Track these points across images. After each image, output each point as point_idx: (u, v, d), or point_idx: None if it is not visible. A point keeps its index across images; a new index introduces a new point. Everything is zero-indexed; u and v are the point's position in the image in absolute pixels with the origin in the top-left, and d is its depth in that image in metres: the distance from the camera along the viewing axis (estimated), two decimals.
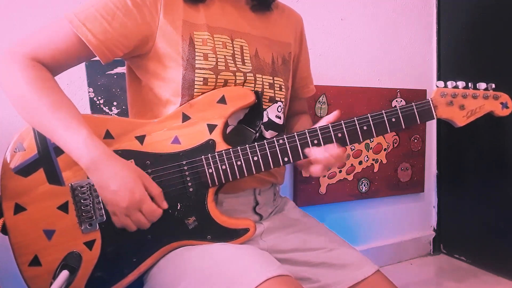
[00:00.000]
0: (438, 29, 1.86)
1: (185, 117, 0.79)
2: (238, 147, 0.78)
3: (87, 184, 0.74)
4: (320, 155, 0.78)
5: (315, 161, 0.78)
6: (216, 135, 0.79)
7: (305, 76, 1.05)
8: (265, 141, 0.79)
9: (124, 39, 0.75)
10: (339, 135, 0.80)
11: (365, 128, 0.80)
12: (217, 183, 0.78)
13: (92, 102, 1.24)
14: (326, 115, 1.53)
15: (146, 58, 0.79)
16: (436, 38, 1.86)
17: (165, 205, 0.74)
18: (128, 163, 0.72)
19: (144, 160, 0.76)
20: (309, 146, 0.79)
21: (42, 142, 0.74)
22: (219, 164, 0.77)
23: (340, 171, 1.63)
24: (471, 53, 1.73)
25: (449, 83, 0.82)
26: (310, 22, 1.50)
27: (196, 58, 0.78)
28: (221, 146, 0.79)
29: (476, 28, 1.70)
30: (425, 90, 1.80)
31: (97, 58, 0.76)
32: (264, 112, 0.86)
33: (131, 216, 0.70)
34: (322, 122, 0.81)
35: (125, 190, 0.68)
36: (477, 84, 0.83)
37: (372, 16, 1.71)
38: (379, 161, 1.72)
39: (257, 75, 0.85)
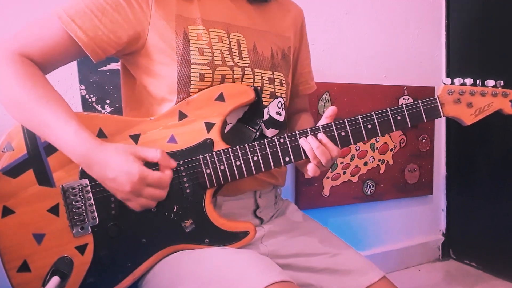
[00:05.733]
0: (447, 24, 1.86)
1: (182, 115, 0.79)
2: (237, 147, 0.79)
3: (79, 186, 0.74)
4: (312, 144, 0.78)
5: (307, 151, 0.78)
6: (214, 134, 0.79)
7: (305, 72, 1.05)
8: (265, 140, 0.79)
9: (115, 36, 0.76)
10: (343, 133, 0.80)
11: (369, 126, 0.81)
12: (215, 184, 0.78)
13: (84, 100, 1.24)
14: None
15: (139, 54, 0.80)
16: (445, 33, 1.87)
17: (173, 163, 0.74)
18: (117, 145, 0.72)
19: None
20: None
21: (32, 141, 0.74)
22: (217, 164, 0.78)
23: (344, 173, 1.64)
24: (481, 49, 1.73)
25: (456, 80, 0.83)
26: (313, 16, 1.51)
27: (191, 53, 0.78)
28: (220, 145, 0.79)
29: (486, 23, 1.71)
30: (434, 87, 1.80)
31: None
32: (265, 109, 0.87)
33: (142, 194, 0.70)
34: (323, 121, 0.82)
35: (122, 175, 0.68)
36: (486, 81, 0.83)
37: (377, 9, 1.71)
38: (385, 162, 1.72)
39: (255, 70, 0.85)
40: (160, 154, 0.72)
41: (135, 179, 0.68)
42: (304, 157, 0.80)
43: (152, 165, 0.72)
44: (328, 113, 0.81)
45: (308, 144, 0.78)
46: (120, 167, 0.68)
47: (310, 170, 0.79)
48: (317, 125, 0.81)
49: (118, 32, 0.76)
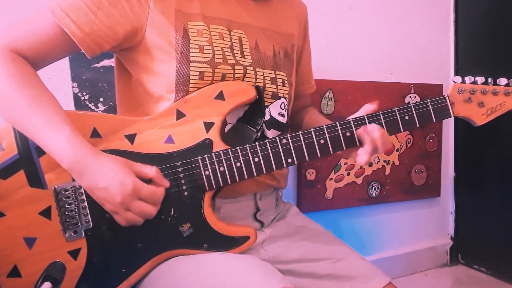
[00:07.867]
0: (455, 18, 1.86)
1: (180, 114, 0.79)
2: (238, 147, 0.78)
3: (72, 188, 0.74)
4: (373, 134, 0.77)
5: (364, 141, 0.78)
6: (214, 134, 0.79)
7: (306, 72, 1.06)
8: (267, 140, 0.79)
9: (111, 31, 0.75)
10: (348, 134, 0.80)
11: None
12: (214, 187, 0.78)
13: (76, 98, 1.24)
14: (333, 112, 1.55)
15: (136, 51, 0.80)
16: (454, 28, 1.87)
17: (166, 183, 0.74)
18: (113, 156, 0.72)
19: (135, 161, 0.76)
20: (315, 146, 0.80)
21: (23, 141, 0.74)
22: (216, 165, 0.78)
23: (348, 174, 1.64)
24: (491, 45, 1.73)
25: (467, 79, 0.83)
26: (315, 11, 1.50)
27: (191, 50, 0.78)
28: (219, 146, 0.79)
29: (497, 17, 1.71)
30: (442, 85, 1.81)
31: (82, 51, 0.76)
32: (266, 109, 0.87)
33: (131, 208, 0.70)
34: (361, 112, 0.82)
35: (115, 184, 0.68)
36: (498, 80, 0.84)
37: (382, 4, 1.71)
38: (391, 162, 1.72)
39: (257, 69, 0.85)
40: (155, 171, 0.73)
41: (128, 190, 0.68)
42: (307, 158, 0.80)
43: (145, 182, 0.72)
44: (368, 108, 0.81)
45: (367, 134, 0.77)
46: (113, 176, 0.69)
47: (364, 159, 0.77)
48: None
49: (115, 27, 0.75)
